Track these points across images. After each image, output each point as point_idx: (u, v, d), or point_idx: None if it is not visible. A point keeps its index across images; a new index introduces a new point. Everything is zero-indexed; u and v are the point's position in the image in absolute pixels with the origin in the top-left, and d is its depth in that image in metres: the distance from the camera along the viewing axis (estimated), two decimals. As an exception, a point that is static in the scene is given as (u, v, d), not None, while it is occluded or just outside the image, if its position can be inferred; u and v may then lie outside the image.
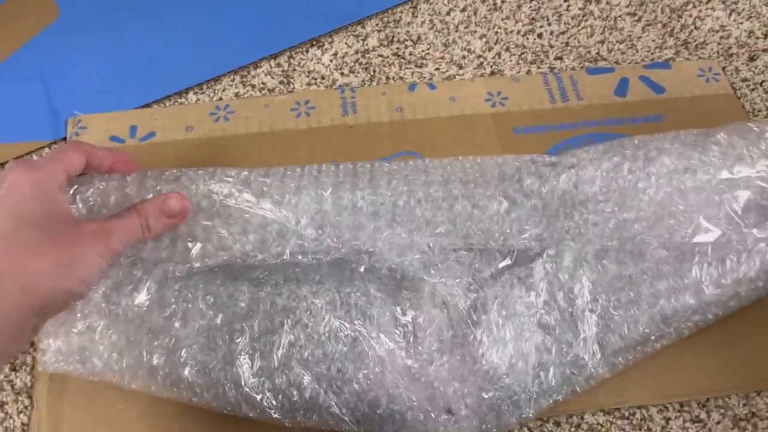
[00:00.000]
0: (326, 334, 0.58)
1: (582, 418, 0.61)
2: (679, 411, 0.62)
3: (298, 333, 0.58)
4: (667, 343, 0.60)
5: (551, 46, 0.83)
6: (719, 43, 0.83)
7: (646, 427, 0.61)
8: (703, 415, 0.61)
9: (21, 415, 0.61)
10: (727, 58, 0.82)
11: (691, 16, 0.86)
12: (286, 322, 0.58)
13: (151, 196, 0.59)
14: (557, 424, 0.61)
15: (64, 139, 0.76)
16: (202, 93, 0.80)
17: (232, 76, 0.81)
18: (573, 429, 0.61)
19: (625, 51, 0.83)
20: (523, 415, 0.57)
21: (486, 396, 0.56)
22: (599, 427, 0.61)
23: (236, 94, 0.80)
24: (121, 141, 0.74)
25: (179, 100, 0.79)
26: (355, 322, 0.58)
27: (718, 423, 0.61)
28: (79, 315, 0.57)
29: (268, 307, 0.59)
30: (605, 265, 0.60)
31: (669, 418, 0.61)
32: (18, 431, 0.61)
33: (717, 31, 0.84)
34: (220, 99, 0.79)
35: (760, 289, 0.60)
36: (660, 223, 0.61)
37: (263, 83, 0.81)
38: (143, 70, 0.80)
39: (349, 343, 0.57)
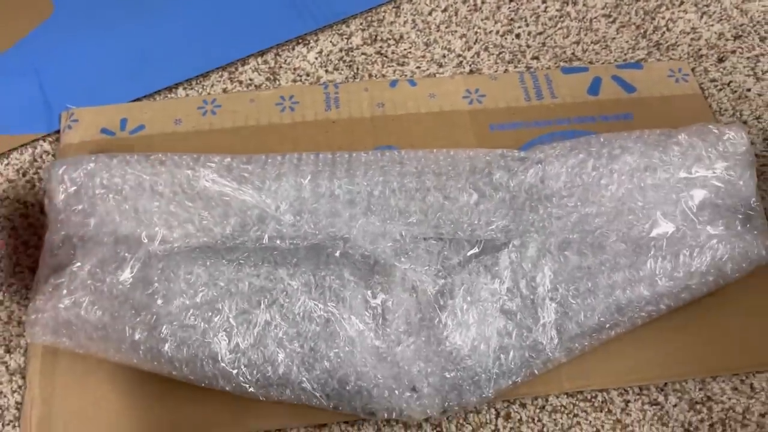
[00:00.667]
0: (300, 315, 0.61)
1: (546, 400, 0.65)
2: (638, 394, 0.65)
3: (274, 313, 0.61)
4: (621, 332, 0.63)
5: (528, 46, 0.86)
6: (690, 45, 0.87)
7: (607, 409, 0.64)
8: (660, 398, 0.65)
9: (15, 395, 0.64)
10: (697, 59, 0.85)
11: (663, 18, 0.89)
12: (262, 301, 0.62)
13: (129, 175, 0.63)
14: (523, 405, 0.64)
15: (58, 132, 0.78)
16: (191, 88, 0.82)
17: (220, 73, 0.84)
18: (538, 410, 0.64)
19: (599, 51, 0.86)
20: (483, 395, 0.61)
21: (448, 376, 0.60)
22: (563, 408, 0.64)
23: (224, 90, 0.82)
24: (111, 134, 0.77)
25: (169, 95, 0.82)
26: (329, 303, 0.62)
27: (675, 406, 0.65)
28: (65, 291, 0.60)
29: (245, 288, 0.62)
30: (567, 256, 0.64)
31: (629, 401, 0.65)
32: (12, 410, 0.64)
33: (688, 33, 0.88)
34: (209, 94, 0.82)
35: (710, 283, 0.64)
36: (620, 217, 0.64)
37: (250, 79, 0.83)
38: (134, 66, 0.83)
39: (322, 324, 0.61)
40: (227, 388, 0.60)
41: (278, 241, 0.63)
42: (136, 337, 0.60)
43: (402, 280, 0.62)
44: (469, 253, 0.63)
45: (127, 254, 0.62)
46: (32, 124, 0.79)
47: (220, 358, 0.60)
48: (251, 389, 0.60)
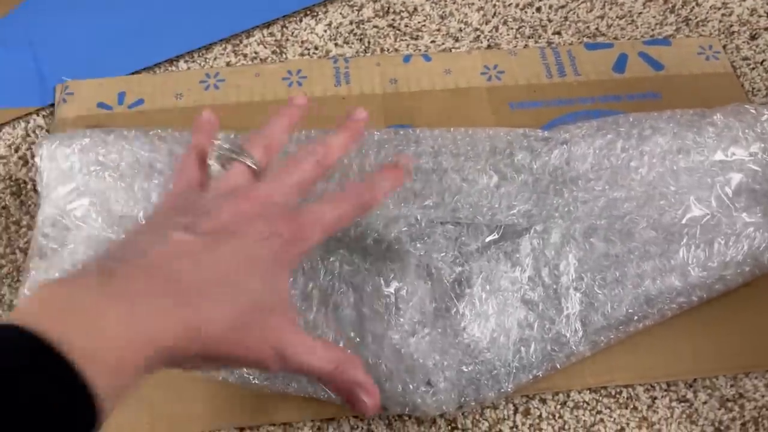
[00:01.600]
0: (308, 302, 0.59)
1: (568, 396, 0.62)
2: (665, 391, 0.62)
3: None
4: (650, 324, 0.61)
5: (550, 21, 0.83)
6: (720, 21, 0.83)
7: (632, 406, 0.62)
8: (690, 395, 0.62)
9: None
10: (728, 36, 0.82)
11: None
12: None
13: (126, 152, 0.61)
14: (543, 401, 0.62)
15: (52, 105, 0.75)
16: (193, 61, 0.79)
17: (223, 45, 0.80)
18: (559, 406, 0.62)
19: (625, 27, 0.82)
20: (502, 390, 0.58)
21: (466, 369, 0.57)
22: (585, 404, 0.62)
23: (227, 63, 0.79)
24: (108, 108, 0.74)
25: (169, 68, 0.79)
26: (338, 290, 0.59)
27: (704, 403, 0.62)
28: (57, 275, 0.58)
29: None
30: (593, 243, 0.61)
31: (655, 398, 0.62)
32: None
33: (719, 9, 0.84)
34: (211, 67, 0.79)
35: (746, 273, 0.61)
36: (650, 203, 0.61)
37: (255, 53, 0.80)
38: (133, 37, 0.80)
39: (331, 311, 0.58)
40: (230, 380, 0.57)
41: None
42: None
43: (416, 267, 0.59)
44: (488, 239, 0.61)
45: (123, 234, 0.59)
46: (25, 97, 0.76)
47: None
48: (255, 381, 0.57)
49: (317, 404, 0.59)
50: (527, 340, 0.59)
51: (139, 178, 0.61)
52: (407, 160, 0.58)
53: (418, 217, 0.60)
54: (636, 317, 0.60)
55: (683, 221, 0.61)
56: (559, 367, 0.59)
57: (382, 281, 0.59)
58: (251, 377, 0.57)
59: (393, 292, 0.58)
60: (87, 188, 0.61)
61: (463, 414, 0.61)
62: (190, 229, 0.42)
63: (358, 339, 0.57)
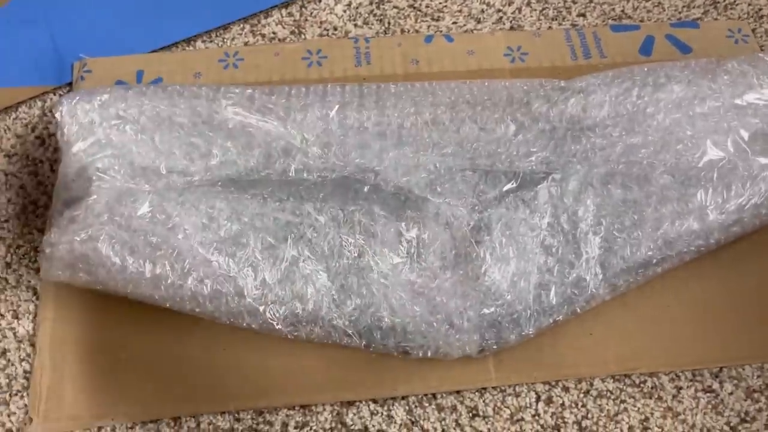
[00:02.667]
0: (330, 250, 0.64)
1: (591, 384, 0.66)
2: (691, 380, 0.66)
3: (302, 247, 0.64)
4: (668, 267, 0.66)
5: (574, 2, 0.87)
6: (750, 4, 0.88)
7: (657, 396, 0.66)
8: (715, 385, 0.66)
9: (23, 363, 0.67)
10: (758, 20, 0.86)
11: None
12: (289, 236, 0.64)
13: (146, 106, 0.68)
14: (566, 389, 0.66)
15: (70, 84, 0.80)
16: (211, 41, 0.84)
17: (241, 25, 0.85)
18: (582, 395, 0.66)
19: (651, 9, 0.87)
20: (523, 333, 0.63)
21: (487, 311, 0.62)
22: (609, 393, 0.66)
23: (245, 44, 0.84)
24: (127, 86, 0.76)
25: (187, 47, 0.84)
26: (359, 237, 0.64)
27: (730, 394, 0.66)
28: (81, 224, 0.64)
29: (271, 223, 0.65)
30: (610, 189, 0.66)
31: (680, 387, 0.66)
32: (20, 379, 0.67)
33: None
34: (230, 47, 0.84)
35: (763, 216, 0.66)
36: (667, 148, 0.66)
37: (273, 33, 0.85)
38: (151, 15, 0.85)
39: (353, 258, 0.63)
40: (253, 326, 0.62)
41: (305, 174, 0.65)
42: (157, 271, 0.62)
43: (435, 215, 0.64)
44: (506, 188, 0.66)
45: (145, 186, 0.65)
46: (42, 76, 0.81)
47: (246, 294, 0.62)
48: (279, 326, 0.62)
49: (337, 384, 0.65)
50: (547, 284, 0.63)
51: (159, 131, 0.67)
52: None
53: (437, 165, 0.65)
54: (655, 260, 0.64)
55: (700, 165, 0.66)
56: (578, 311, 0.64)
57: (402, 226, 0.65)
58: (275, 323, 0.62)
59: (414, 237, 0.64)
60: (108, 141, 0.66)
61: (484, 401, 0.66)
62: None
63: (382, 281, 0.63)
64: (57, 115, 0.67)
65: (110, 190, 0.66)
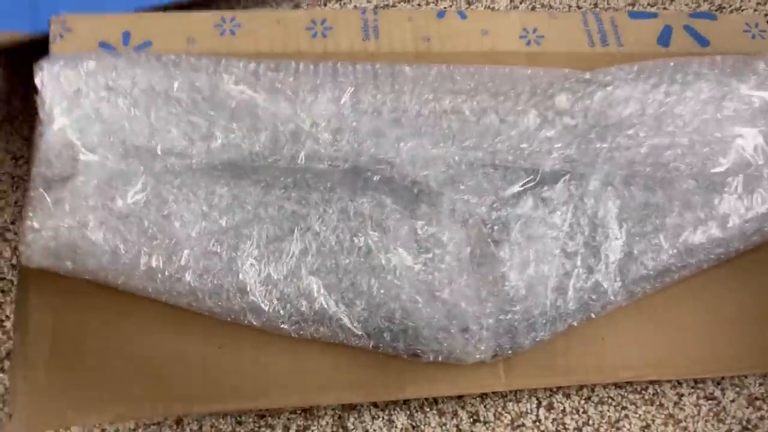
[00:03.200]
0: (339, 244, 0.61)
1: (593, 390, 0.65)
2: (692, 388, 0.66)
3: (309, 241, 0.60)
4: (687, 275, 0.65)
5: None
6: None
7: (658, 402, 0.65)
8: (717, 393, 0.66)
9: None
10: None
11: None
12: (296, 229, 0.61)
13: (139, 77, 0.62)
14: (567, 395, 0.65)
15: (47, 37, 0.71)
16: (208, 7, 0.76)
17: None
18: (583, 401, 0.65)
19: None
20: (538, 338, 0.61)
21: (504, 318, 0.60)
22: (610, 400, 0.65)
23: (245, 6, 0.78)
24: (111, 49, 0.71)
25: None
26: (371, 233, 0.61)
27: (732, 401, 0.66)
28: (68, 208, 0.58)
29: (276, 212, 0.61)
30: (632, 191, 0.64)
31: (682, 395, 0.66)
32: None
33: None
34: (227, 11, 0.76)
35: None
36: (693, 151, 0.64)
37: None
38: None
39: (364, 255, 0.60)
40: (256, 323, 0.59)
41: (316, 163, 0.61)
42: (153, 264, 0.58)
43: (451, 212, 0.62)
44: (525, 186, 0.63)
45: (139, 168, 0.60)
46: (11, 21, 0.73)
47: (248, 290, 0.59)
48: (284, 325, 0.59)
49: (341, 385, 0.63)
50: (565, 288, 0.62)
51: (155, 106, 0.61)
52: None
53: (457, 159, 0.63)
54: (674, 267, 0.63)
55: (724, 170, 0.64)
56: (593, 316, 0.62)
57: (417, 224, 0.62)
58: (279, 321, 0.59)
59: (430, 235, 0.61)
60: (97, 115, 0.61)
61: (485, 406, 0.65)
62: None
63: (396, 282, 0.60)
64: (37, 80, 0.61)
65: (100, 170, 0.61)
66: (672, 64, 0.67)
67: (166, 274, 0.59)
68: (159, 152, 0.61)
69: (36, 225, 0.59)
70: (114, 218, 0.60)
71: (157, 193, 0.61)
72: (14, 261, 0.68)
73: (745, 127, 0.66)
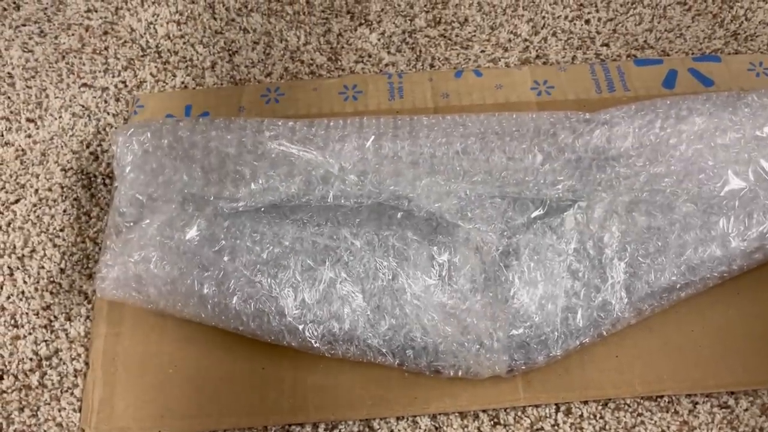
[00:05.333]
0: (365, 272, 0.67)
1: (609, 397, 0.68)
2: (707, 396, 0.68)
3: (339, 270, 0.68)
4: (692, 293, 0.68)
5: (598, 33, 0.91)
6: None
7: (673, 410, 0.68)
8: (731, 402, 0.68)
9: (74, 362, 0.72)
10: None
11: (742, 7, 0.92)
12: (327, 259, 0.68)
13: (198, 137, 0.72)
14: (585, 401, 0.68)
15: (126, 120, 0.85)
16: (254, 66, 0.90)
17: (282, 52, 0.91)
18: (600, 407, 0.68)
19: (674, 40, 0.90)
20: (551, 354, 0.65)
21: (516, 333, 0.65)
22: (626, 406, 0.68)
23: (285, 69, 0.89)
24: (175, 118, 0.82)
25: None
26: (392, 261, 0.68)
27: (746, 410, 0.67)
28: (135, 246, 0.68)
29: (310, 246, 0.69)
30: (635, 217, 0.68)
31: (697, 403, 0.68)
32: (71, 377, 0.71)
33: None
34: (271, 82, 0.88)
35: None
36: (689, 177, 0.69)
37: (312, 59, 0.90)
38: None
39: (388, 280, 0.67)
40: (293, 344, 0.66)
41: (343, 200, 0.69)
42: (204, 291, 0.67)
43: (466, 240, 0.68)
44: (534, 214, 0.69)
45: (195, 212, 0.69)
46: None
47: (286, 313, 0.66)
48: (317, 344, 0.66)
49: (370, 401, 0.69)
50: (574, 307, 0.66)
51: (208, 159, 0.72)
52: None
53: (467, 192, 0.69)
54: (678, 285, 0.67)
55: (722, 194, 0.68)
56: (605, 333, 0.66)
57: (435, 250, 0.68)
58: (313, 341, 0.66)
59: (445, 261, 0.67)
60: (160, 170, 0.71)
61: (505, 410, 0.68)
62: None
63: (415, 302, 0.66)
64: (113, 146, 0.73)
65: (162, 214, 0.70)
66: (668, 102, 0.72)
67: (216, 300, 0.68)
68: (211, 198, 0.71)
69: (109, 262, 0.69)
70: (172, 254, 0.69)
71: (209, 233, 0.70)
72: (63, 265, 0.78)
73: (738, 154, 0.70)
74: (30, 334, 0.73)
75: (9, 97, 0.89)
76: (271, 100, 0.87)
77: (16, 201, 0.82)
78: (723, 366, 0.68)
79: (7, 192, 0.82)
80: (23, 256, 0.78)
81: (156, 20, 0.94)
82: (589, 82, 0.86)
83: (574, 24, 0.93)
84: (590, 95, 0.85)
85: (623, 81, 0.86)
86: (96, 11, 0.96)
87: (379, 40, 0.93)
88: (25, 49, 0.93)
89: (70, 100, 0.88)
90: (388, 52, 0.92)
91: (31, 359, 0.72)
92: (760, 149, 0.70)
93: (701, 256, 0.68)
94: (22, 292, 0.76)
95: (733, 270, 0.68)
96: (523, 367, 0.66)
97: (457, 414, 0.68)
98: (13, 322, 0.74)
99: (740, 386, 0.68)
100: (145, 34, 0.94)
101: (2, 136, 0.86)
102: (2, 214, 0.80)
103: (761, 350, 0.69)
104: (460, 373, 0.66)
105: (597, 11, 0.94)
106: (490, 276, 0.67)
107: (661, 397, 0.68)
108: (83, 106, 0.88)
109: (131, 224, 0.71)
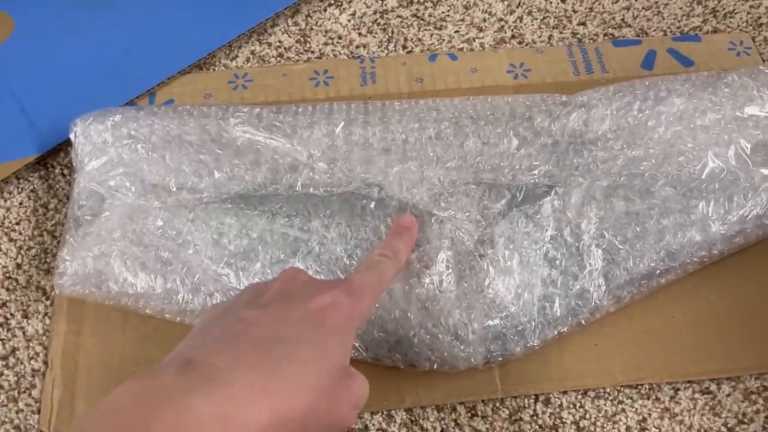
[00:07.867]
0: (336, 263, 0.66)
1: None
2: (688, 382, 0.67)
3: (310, 262, 0.66)
4: (672, 279, 0.67)
5: (575, 11, 0.90)
6: (749, 13, 0.89)
7: (654, 397, 0.67)
8: (713, 387, 0.67)
9: (32, 361, 0.69)
10: (756, 28, 0.88)
11: None
12: (298, 252, 0.66)
13: (156, 125, 0.70)
14: (564, 390, 0.67)
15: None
16: (218, 50, 0.86)
17: (248, 35, 0.88)
18: (580, 396, 0.67)
19: (651, 18, 0.88)
20: (528, 344, 0.64)
21: (491, 323, 0.63)
22: (606, 394, 0.67)
23: (252, 52, 0.87)
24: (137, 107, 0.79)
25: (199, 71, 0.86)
26: (365, 252, 0.66)
27: (728, 395, 0.67)
28: (94, 241, 0.66)
29: (280, 238, 0.67)
30: (613, 202, 0.67)
31: (678, 389, 0.67)
32: (28, 377, 0.68)
33: (747, 0, 0.90)
34: (239, 68, 0.86)
35: (766, 226, 0.67)
36: (668, 160, 0.68)
37: (280, 41, 0.88)
38: (120, 64, 0.84)
39: None
40: None
41: (312, 189, 0.67)
42: (168, 286, 0.65)
43: (440, 229, 0.66)
44: (509, 202, 0.67)
45: (156, 203, 0.67)
46: (20, 149, 0.78)
47: None
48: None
49: None
50: (551, 296, 0.65)
51: (169, 149, 0.69)
52: (410, 222, 0.65)
53: (441, 179, 0.67)
54: (658, 271, 0.66)
55: (702, 177, 0.67)
56: (583, 322, 0.65)
57: None
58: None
59: (417, 252, 0.65)
60: (120, 160, 0.69)
61: (482, 401, 0.67)
62: (252, 304, 0.48)
63: (387, 297, 0.64)
64: (71, 136, 0.71)
65: (122, 207, 0.68)
66: (646, 83, 0.71)
67: (180, 295, 0.66)
68: (173, 188, 0.69)
69: (67, 257, 0.66)
70: (134, 247, 0.66)
71: (172, 225, 0.68)
72: (19, 260, 0.75)
73: (718, 136, 0.69)
74: (-15, 333, 0.69)
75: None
76: (239, 87, 0.85)
77: (-31, 194, 0.77)
78: (705, 352, 0.67)
79: (-42, 184, 0.78)
80: (-23, 251, 0.74)
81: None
82: (566, 64, 0.85)
83: (550, 2, 0.92)
84: (568, 77, 0.84)
85: (601, 62, 0.85)
86: None
87: (349, 21, 0.91)
88: None
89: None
90: (359, 34, 0.90)
91: (-14, 360, 0.68)
92: (741, 130, 0.69)
93: (681, 241, 0.67)
94: (-23, 290, 0.72)
95: (714, 255, 0.67)
96: (500, 359, 0.65)
97: (433, 407, 0.67)
98: (-33, 321, 0.70)
99: (722, 373, 0.67)
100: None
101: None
102: (-45, 208, 0.76)
103: (743, 336, 0.68)
104: (435, 366, 0.64)
105: (574, -11, 0.91)
106: (465, 266, 0.66)
107: (642, 384, 0.67)
108: (40, 94, 0.84)
109: (91, 217, 0.69)
